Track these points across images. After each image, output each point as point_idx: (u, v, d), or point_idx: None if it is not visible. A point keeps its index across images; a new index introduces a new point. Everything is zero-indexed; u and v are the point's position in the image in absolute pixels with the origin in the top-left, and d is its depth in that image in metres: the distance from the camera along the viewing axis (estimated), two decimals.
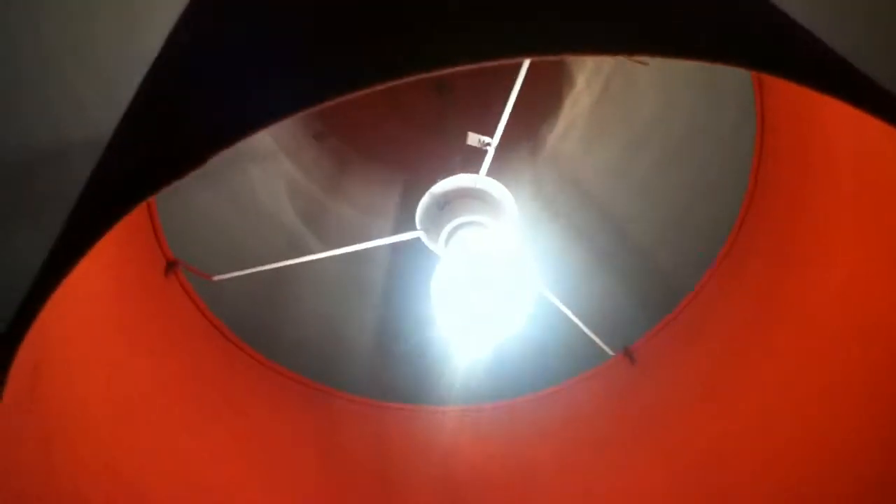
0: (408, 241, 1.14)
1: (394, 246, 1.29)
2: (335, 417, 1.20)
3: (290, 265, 1.33)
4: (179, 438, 0.89)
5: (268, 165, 1.31)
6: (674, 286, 1.31)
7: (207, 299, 1.14)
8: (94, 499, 0.66)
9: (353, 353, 1.34)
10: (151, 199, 1.09)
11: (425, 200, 1.02)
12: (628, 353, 1.17)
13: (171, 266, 1.04)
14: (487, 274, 0.93)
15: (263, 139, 1.29)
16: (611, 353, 1.18)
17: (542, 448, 1.19)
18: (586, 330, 1.14)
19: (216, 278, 1.01)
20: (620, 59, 1.38)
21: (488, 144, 0.91)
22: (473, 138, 0.91)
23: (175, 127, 0.46)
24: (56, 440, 0.66)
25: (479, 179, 1.00)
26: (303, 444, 1.09)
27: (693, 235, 1.42)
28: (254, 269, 1.01)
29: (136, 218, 1.00)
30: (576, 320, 1.12)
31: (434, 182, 1.02)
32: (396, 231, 1.31)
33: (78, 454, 0.67)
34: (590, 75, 1.41)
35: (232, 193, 1.29)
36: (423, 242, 1.04)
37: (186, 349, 1.01)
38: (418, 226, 1.03)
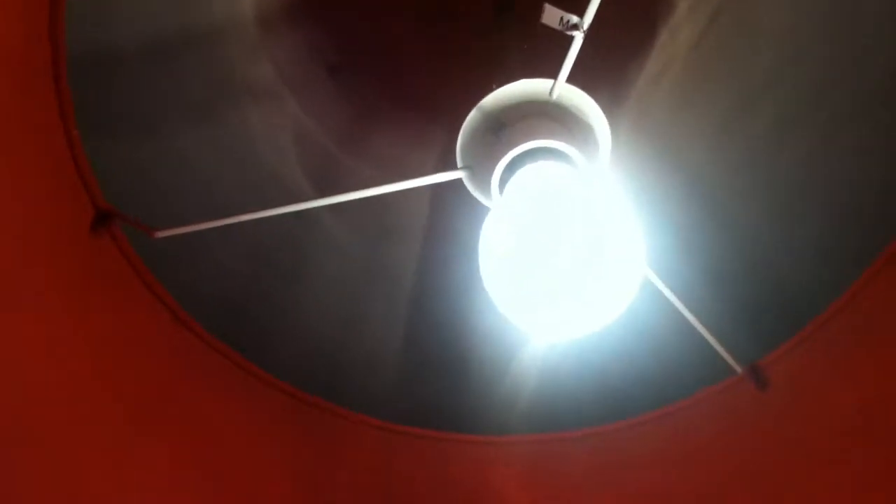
0: (446, 200, 0.81)
1: (430, 213, 0.96)
2: (331, 442, 0.88)
3: (294, 241, 1.01)
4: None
5: (268, 106, 1.00)
6: (806, 292, 0.96)
7: (169, 275, 0.83)
8: None
9: (366, 357, 1.01)
10: (76, 136, 0.82)
11: (472, 120, 0.68)
12: (755, 372, 0.91)
13: (102, 217, 0.73)
14: (568, 234, 0.58)
15: (264, 71, 0.99)
16: (738, 369, 0.82)
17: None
18: (708, 337, 0.79)
19: (159, 234, 0.70)
20: None
21: (575, 27, 0.57)
22: (552, 14, 0.57)
23: None
24: None
25: (555, 86, 0.65)
26: (273, 470, 0.77)
27: (837, 224, 1.04)
28: (211, 224, 0.70)
29: (61, 163, 0.70)
30: (695, 322, 0.77)
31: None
32: (434, 200, 0.97)
33: None
34: None
35: (218, 140, 0.99)
36: (465, 194, 0.71)
37: (115, 321, 0.70)
38: (460, 161, 0.70)
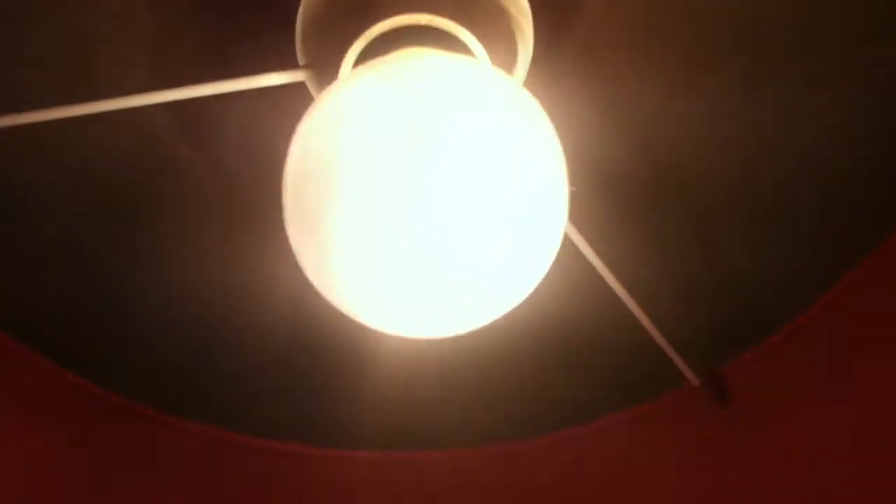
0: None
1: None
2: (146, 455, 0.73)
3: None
4: None
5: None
6: (779, 290, 0.80)
7: None
8: None
9: (200, 348, 0.77)
10: None
11: None
12: (716, 383, 0.78)
13: None
14: (450, 157, 0.35)
15: None
16: (694, 381, 0.74)
17: None
18: (656, 335, 0.66)
19: None
20: None
21: None
22: None
23: None
24: None
25: None
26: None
27: (825, 202, 0.85)
28: None
29: None
30: (640, 315, 0.62)
31: None
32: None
33: None
34: None
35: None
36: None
37: None
38: (301, 56, 0.46)
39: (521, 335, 0.75)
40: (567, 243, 0.55)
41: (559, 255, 0.47)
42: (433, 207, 0.35)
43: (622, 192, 0.80)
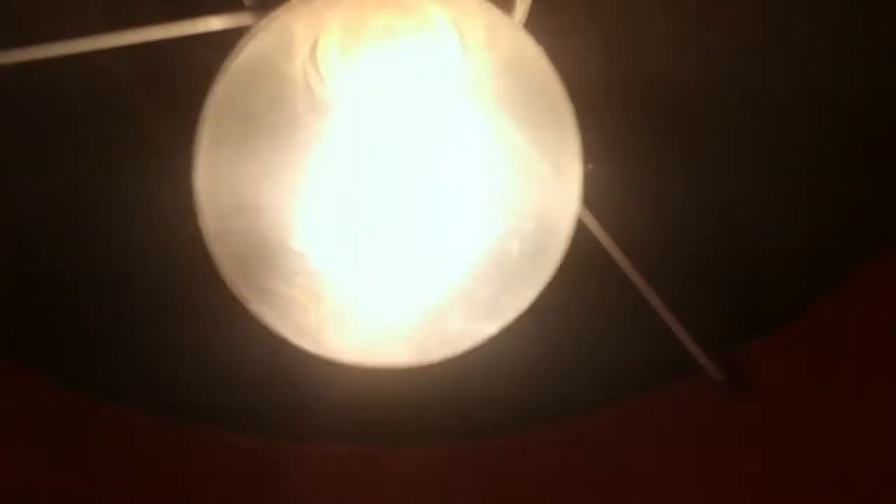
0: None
1: None
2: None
3: None
4: None
5: None
6: (807, 268, 0.73)
7: None
8: None
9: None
10: None
11: None
12: (735, 370, 0.73)
13: None
14: (422, 135, 0.28)
15: None
16: (716, 375, 0.69)
17: None
18: (667, 316, 0.59)
19: None
20: None
21: None
22: None
23: None
24: None
25: None
26: None
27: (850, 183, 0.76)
28: None
29: None
30: (650, 296, 0.56)
31: None
32: None
33: None
34: None
35: None
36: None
37: None
38: None
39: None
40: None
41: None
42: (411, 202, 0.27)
43: (633, 153, 0.71)
